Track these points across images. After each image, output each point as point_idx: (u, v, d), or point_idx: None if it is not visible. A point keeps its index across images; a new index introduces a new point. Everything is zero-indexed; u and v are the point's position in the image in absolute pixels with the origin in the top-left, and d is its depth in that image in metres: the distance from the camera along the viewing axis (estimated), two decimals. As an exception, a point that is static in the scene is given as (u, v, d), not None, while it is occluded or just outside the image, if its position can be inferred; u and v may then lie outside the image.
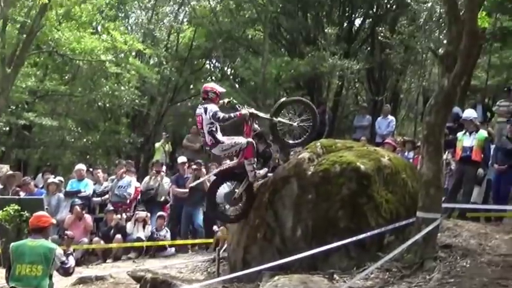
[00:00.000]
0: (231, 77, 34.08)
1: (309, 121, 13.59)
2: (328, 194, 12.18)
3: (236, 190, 12.95)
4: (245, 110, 13.12)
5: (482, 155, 16.39)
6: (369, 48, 30.72)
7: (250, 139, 12.96)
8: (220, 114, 12.68)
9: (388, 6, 30.43)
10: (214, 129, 12.89)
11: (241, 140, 12.98)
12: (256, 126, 13.48)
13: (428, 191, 11.81)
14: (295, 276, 10.96)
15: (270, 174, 13.34)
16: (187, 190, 18.50)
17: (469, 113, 16.96)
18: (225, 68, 35.26)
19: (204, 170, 18.84)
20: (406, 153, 18.46)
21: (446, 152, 16.60)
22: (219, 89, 13.47)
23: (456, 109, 18.55)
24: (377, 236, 11.95)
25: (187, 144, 23.41)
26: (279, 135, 13.68)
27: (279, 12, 30.12)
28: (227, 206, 13.12)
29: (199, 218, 18.46)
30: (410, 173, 13.14)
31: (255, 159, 12.96)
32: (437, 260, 11.75)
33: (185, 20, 35.82)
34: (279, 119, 13.50)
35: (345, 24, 30.73)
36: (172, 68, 33.28)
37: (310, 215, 12.18)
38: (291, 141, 13.94)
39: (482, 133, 16.28)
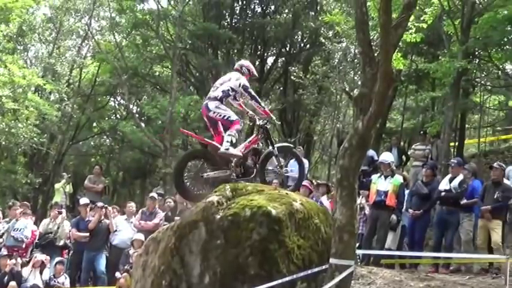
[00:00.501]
0: (137, 115, 33.90)
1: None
2: (238, 240, 12.11)
3: (208, 171, 13.91)
4: (266, 118, 14.24)
5: (396, 200, 16.68)
6: (281, 88, 31.18)
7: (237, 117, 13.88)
8: (251, 91, 13.95)
9: (302, 45, 30.92)
10: (230, 94, 13.85)
11: (234, 115, 13.77)
12: (261, 145, 14.53)
13: (342, 236, 11.91)
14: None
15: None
16: (88, 234, 18.29)
17: (386, 157, 17.33)
18: (131, 106, 35.03)
19: (108, 212, 18.72)
20: (319, 197, 18.62)
21: (360, 196, 16.84)
22: (254, 70, 14.55)
23: (371, 152, 18.97)
24: (288, 284, 11.89)
25: (89, 186, 23.16)
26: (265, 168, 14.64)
27: (187, 48, 30.37)
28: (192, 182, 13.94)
29: (102, 263, 18.25)
30: (323, 218, 13.21)
31: (236, 134, 13.74)
32: (351, 311, 11.94)
33: (89, 54, 35.71)
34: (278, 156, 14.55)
35: (257, 63, 31.07)
36: (74, 104, 33.02)
37: (219, 262, 12.10)
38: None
39: (398, 178, 16.64)
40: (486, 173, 20.81)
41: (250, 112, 14.51)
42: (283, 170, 14.88)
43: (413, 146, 25.43)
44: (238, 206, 12.50)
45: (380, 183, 16.86)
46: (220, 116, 13.67)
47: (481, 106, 36.06)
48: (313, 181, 21.39)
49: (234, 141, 13.63)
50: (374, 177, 17.18)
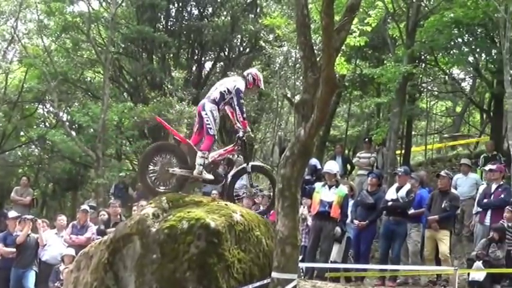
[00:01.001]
0: (67, 123, 33.45)
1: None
2: (175, 254, 12.08)
3: (175, 166, 13.86)
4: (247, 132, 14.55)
5: (340, 212, 16.75)
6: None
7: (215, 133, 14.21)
8: (242, 97, 14.01)
9: (241, 49, 30.91)
10: (226, 97, 14.02)
11: (214, 129, 14.01)
12: (236, 156, 14.69)
13: (284, 249, 11.97)
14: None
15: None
16: (15, 249, 18.06)
17: (331, 166, 17.38)
18: (60, 114, 34.57)
19: (37, 225, 18.56)
20: (261, 208, 18.61)
21: (302, 206, 16.87)
22: (261, 82, 14.50)
23: (314, 161, 19.01)
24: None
25: (16, 198, 22.90)
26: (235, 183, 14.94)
27: (120, 53, 30.22)
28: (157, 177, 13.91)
29: (31, 281, 17.99)
30: (264, 230, 13.30)
31: (207, 154, 13.81)
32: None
33: (15, 59, 35.17)
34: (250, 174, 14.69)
35: (194, 68, 31.05)
36: (0, 112, 32.51)
37: (155, 277, 12.05)
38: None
39: (343, 189, 16.72)
40: (433, 182, 21.02)
41: (238, 124, 14.42)
42: (253, 189, 15.07)
43: (358, 154, 25.57)
44: (175, 218, 12.46)
45: (324, 193, 16.83)
46: (207, 121, 13.85)
47: (427, 112, 36.58)
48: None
49: (205, 163, 13.78)
50: (317, 186, 17.16)
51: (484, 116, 34.65)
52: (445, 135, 37.11)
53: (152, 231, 12.37)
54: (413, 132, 34.14)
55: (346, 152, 30.62)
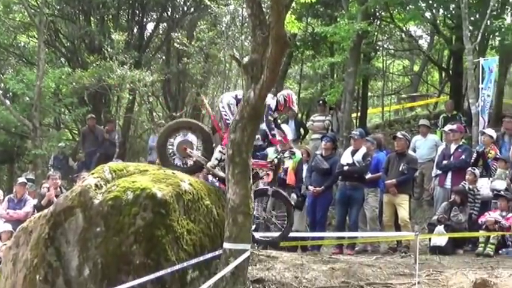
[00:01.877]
0: (0, 91, 33.14)
1: None
2: (120, 226, 12.04)
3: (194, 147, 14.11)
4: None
5: (295, 178, 16.79)
6: (163, 57, 30.89)
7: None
8: (269, 116, 14.20)
9: (185, 8, 30.71)
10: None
11: None
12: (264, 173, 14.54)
13: (236, 218, 12.01)
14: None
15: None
16: None
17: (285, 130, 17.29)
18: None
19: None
20: (211, 177, 18.51)
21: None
22: (294, 104, 14.58)
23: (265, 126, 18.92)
24: (179, 273, 11.99)
25: None
26: None
27: (56, 15, 29.85)
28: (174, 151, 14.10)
29: None
30: (215, 199, 13.32)
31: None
32: (248, 298, 12.05)
33: None
34: None
35: (135, 30, 30.78)
36: None
37: (99, 252, 12.00)
38: None
39: (297, 153, 16.67)
40: (391, 145, 21.16)
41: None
42: (267, 214, 14.52)
43: (311, 118, 25.67)
44: (119, 188, 12.41)
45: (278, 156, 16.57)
46: (225, 115, 14.03)
47: (384, 72, 36.76)
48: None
49: (222, 158, 13.65)
50: (270, 152, 16.99)
51: (443, 74, 34.93)
52: (403, 96, 37.45)
53: (95, 203, 12.29)
54: (369, 93, 34.40)
55: (299, 115, 30.66)
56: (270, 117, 13.95)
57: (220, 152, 13.69)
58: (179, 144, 14.00)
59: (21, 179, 20.28)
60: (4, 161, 33.06)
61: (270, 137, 14.18)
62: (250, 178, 12.49)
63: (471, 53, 20.90)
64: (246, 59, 14.36)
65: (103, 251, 11.99)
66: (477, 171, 16.55)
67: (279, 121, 14.64)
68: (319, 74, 32.68)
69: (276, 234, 14.17)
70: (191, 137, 14.03)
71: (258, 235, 14.02)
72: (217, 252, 12.30)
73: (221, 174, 13.75)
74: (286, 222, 13.89)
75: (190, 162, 14.12)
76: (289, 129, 17.35)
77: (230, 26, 27.42)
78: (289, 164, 16.62)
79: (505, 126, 18.58)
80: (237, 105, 13.62)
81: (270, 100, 13.73)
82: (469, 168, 16.47)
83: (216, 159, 13.76)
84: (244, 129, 12.23)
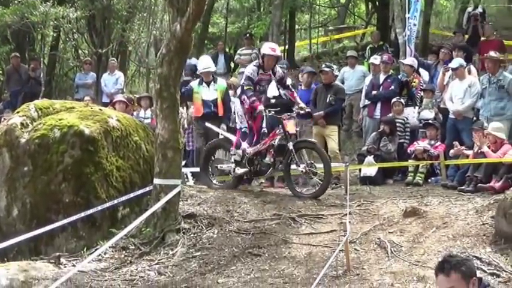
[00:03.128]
0: None
1: None
2: (48, 165, 12.00)
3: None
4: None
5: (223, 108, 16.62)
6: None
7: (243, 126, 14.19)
8: (245, 84, 13.89)
9: None
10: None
11: (240, 123, 14.47)
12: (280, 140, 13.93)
13: (165, 154, 11.99)
14: (13, 263, 10.77)
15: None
16: None
17: (206, 63, 16.99)
18: None
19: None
20: (142, 112, 18.27)
21: (184, 107, 16.74)
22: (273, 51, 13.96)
23: (193, 60, 18.70)
24: (109, 210, 11.99)
25: None
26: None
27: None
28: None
29: None
30: (143, 135, 13.29)
31: (238, 151, 13.96)
32: (181, 232, 12.03)
33: None
34: None
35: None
36: None
37: (28, 191, 11.96)
38: None
39: (222, 83, 16.52)
40: (320, 77, 21.15)
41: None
42: (307, 168, 13.80)
43: (238, 51, 25.52)
44: (45, 126, 12.28)
45: (204, 93, 16.43)
46: (234, 115, 14.57)
47: (310, 4, 36.58)
48: (132, 96, 21.12)
49: (237, 159, 13.86)
50: (194, 85, 16.57)
51: (370, 5, 35.01)
52: (330, 28, 37.37)
53: (22, 142, 12.19)
54: (296, 26, 34.25)
55: (228, 49, 30.53)
56: (245, 87, 13.72)
57: (232, 154, 14.13)
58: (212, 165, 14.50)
59: None
60: None
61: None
62: (178, 113, 12.41)
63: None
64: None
65: (31, 190, 11.94)
66: (403, 101, 16.58)
67: (288, 82, 14.62)
68: (245, 8, 32.54)
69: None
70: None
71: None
72: (147, 189, 12.31)
73: (240, 171, 14.16)
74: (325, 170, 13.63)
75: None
76: (209, 59, 17.20)
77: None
78: (217, 95, 16.41)
79: (441, 57, 18.53)
80: (241, 102, 13.89)
81: (248, 67, 13.85)
82: (395, 99, 16.45)
83: (232, 162, 14.17)
84: (171, 63, 12.16)
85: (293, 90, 14.20)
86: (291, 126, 12.99)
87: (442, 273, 5.91)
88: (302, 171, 13.82)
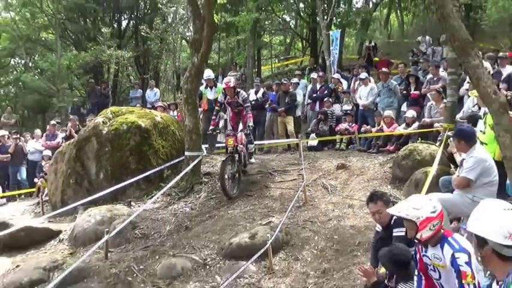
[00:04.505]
0: (33, 69, 32.16)
1: None
2: (120, 146, 12.08)
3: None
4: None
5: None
6: (134, 42, 30.00)
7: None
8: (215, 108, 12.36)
9: (146, 10, 29.99)
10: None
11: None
12: None
13: (192, 136, 12.08)
14: (102, 206, 10.79)
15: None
16: (9, 155, 17.36)
17: (208, 74, 16.31)
18: (28, 63, 33.11)
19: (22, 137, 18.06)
20: (172, 113, 18.13)
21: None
22: (228, 84, 11.73)
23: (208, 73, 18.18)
24: (158, 172, 12.07)
25: (4, 121, 21.76)
26: None
27: (65, 19, 28.80)
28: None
29: (23, 174, 17.43)
30: (177, 126, 13.37)
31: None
32: (203, 184, 12.06)
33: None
34: None
35: (116, 25, 29.94)
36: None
37: (109, 162, 12.06)
38: None
39: (220, 87, 15.77)
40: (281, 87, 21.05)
41: None
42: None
43: (229, 73, 25.40)
44: (117, 123, 12.37)
45: (209, 94, 15.80)
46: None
47: (270, 44, 36.61)
48: (166, 103, 20.87)
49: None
50: (202, 89, 16.07)
51: (304, 43, 34.84)
52: (281, 58, 37.19)
53: (103, 133, 12.21)
54: (261, 57, 34.08)
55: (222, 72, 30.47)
56: (217, 108, 11.94)
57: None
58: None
59: (52, 122, 19.65)
60: (39, 112, 32.08)
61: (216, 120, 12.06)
62: (198, 111, 12.43)
63: (325, 28, 20.90)
64: (190, 38, 14.13)
65: (111, 162, 12.08)
66: (331, 100, 16.48)
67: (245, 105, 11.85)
68: (229, 47, 32.27)
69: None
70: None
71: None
72: (181, 158, 12.29)
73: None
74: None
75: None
76: (211, 72, 16.46)
77: (174, 19, 26.92)
78: (216, 95, 15.08)
79: (354, 72, 18.26)
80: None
81: (220, 95, 12.21)
82: (326, 99, 16.36)
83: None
84: (192, 82, 12.29)
85: (247, 112, 11.70)
86: (229, 141, 11.07)
87: (372, 202, 5.99)
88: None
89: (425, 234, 4.63)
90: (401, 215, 4.77)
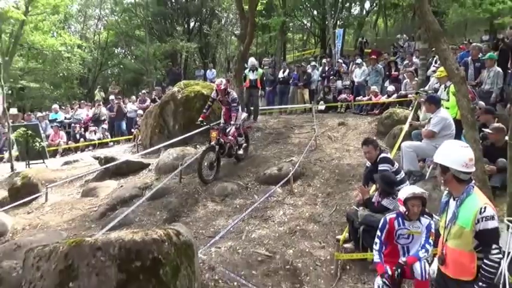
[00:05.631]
0: (130, 55, 32.25)
1: None
2: (190, 107, 11.86)
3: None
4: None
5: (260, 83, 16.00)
6: (198, 37, 29.57)
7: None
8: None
9: (207, 14, 29.53)
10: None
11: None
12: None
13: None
14: (178, 148, 10.80)
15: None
16: (114, 113, 17.52)
17: (251, 61, 16.05)
18: (127, 51, 33.21)
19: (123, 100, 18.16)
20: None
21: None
22: (219, 86, 9.36)
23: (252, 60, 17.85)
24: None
25: (111, 91, 21.91)
26: None
27: (151, 20, 28.63)
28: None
29: (123, 126, 17.56)
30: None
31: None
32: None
33: (102, 27, 33.18)
34: None
35: (186, 25, 29.55)
36: (98, 52, 31.14)
37: (182, 118, 11.89)
38: None
39: (260, 70, 15.52)
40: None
41: None
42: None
43: (264, 59, 24.87)
44: (188, 91, 12.17)
45: (250, 75, 15.34)
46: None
47: (293, 39, 35.81)
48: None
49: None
50: (246, 72, 15.38)
51: (316, 39, 34.00)
52: (300, 49, 36.34)
53: (178, 98, 12.06)
54: (286, 49, 33.40)
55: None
56: (209, 103, 9.55)
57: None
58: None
59: (143, 91, 19.80)
60: (134, 85, 32.21)
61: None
62: (243, 84, 12.18)
63: (331, 28, 20.41)
64: (238, 33, 13.85)
65: (184, 118, 11.86)
66: (335, 78, 15.91)
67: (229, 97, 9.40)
68: (264, 42, 31.58)
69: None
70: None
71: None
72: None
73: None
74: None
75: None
76: (254, 60, 13.96)
77: (226, 21, 26.52)
78: (257, 76, 13.25)
79: (351, 59, 17.74)
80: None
81: (213, 92, 9.55)
82: (331, 77, 15.75)
83: None
84: (239, 63, 12.07)
85: (233, 110, 9.27)
86: (213, 135, 8.87)
87: (365, 145, 5.88)
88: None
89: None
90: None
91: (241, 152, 9.77)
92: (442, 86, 8.57)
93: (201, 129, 10.98)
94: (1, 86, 13.05)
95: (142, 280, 3.25)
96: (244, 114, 10.37)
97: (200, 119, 9.35)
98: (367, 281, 4.70)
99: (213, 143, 8.95)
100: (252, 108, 13.47)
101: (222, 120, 9.79)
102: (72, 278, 3.25)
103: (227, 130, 9.33)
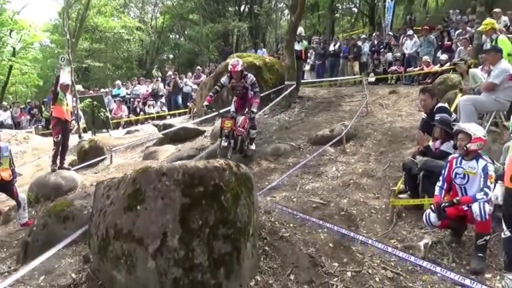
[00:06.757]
0: (185, 37, 32.63)
1: None
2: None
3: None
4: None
5: (305, 55, 15.49)
6: (249, 17, 29.25)
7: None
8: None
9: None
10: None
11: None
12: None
13: (289, 71, 11.74)
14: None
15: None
16: (172, 87, 17.77)
17: (300, 29, 14.58)
18: (183, 33, 33.64)
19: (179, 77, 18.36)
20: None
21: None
22: (235, 67, 7.78)
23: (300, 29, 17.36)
24: (267, 95, 11.63)
25: (167, 69, 22.24)
26: None
27: (204, 2, 28.68)
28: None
29: (180, 100, 17.78)
30: (278, 65, 12.86)
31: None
32: (296, 103, 11.81)
33: (158, 11, 33.70)
34: None
35: (237, 7, 29.32)
36: (155, 35, 31.72)
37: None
38: None
39: (305, 42, 13.67)
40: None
41: None
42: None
43: (312, 38, 24.38)
44: (244, 60, 11.68)
45: (296, 45, 13.54)
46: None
47: (341, 21, 34.69)
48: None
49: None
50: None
51: (364, 19, 32.90)
52: (348, 31, 35.36)
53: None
54: (336, 29, 32.56)
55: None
56: (217, 88, 7.99)
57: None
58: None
59: (198, 68, 19.94)
60: (188, 66, 32.55)
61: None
62: (294, 54, 11.88)
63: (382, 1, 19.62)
64: (289, 4, 13.56)
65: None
66: (385, 50, 15.35)
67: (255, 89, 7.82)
68: (312, 22, 30.90)
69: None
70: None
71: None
72: (282, 86, 11.95)
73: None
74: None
75: None
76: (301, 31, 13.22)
77: (277, 1, 26.25)
78: (302, 48, 12.32)
79: (401, 32, 16.97)
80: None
81: (224, 76, 8.04)
82: (382, 51, 15.27)
83: None
84: (290, 34, 11.82)
85: (255, 96, 7.74)
86: (226, 124, 7.24)
87: (422, 93, 5.63)
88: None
89: (472, 147, 4.32)
90: (463, 129, 4.43)
91: (253, 147, 8.01)
92: (488, 39, 7.99)
93: (210, 115, 10.53)
94: (70, 61, 13.54)
95: (205, 205, 3.23)
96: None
97: (206, 103, 7.82)
98: (424, 227, 4.49)
99: (225, 132, 7.33)
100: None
101: (232, 109, 8.03)
102: (139, 201, 3.30)
103: (239, 119, 7.61)
